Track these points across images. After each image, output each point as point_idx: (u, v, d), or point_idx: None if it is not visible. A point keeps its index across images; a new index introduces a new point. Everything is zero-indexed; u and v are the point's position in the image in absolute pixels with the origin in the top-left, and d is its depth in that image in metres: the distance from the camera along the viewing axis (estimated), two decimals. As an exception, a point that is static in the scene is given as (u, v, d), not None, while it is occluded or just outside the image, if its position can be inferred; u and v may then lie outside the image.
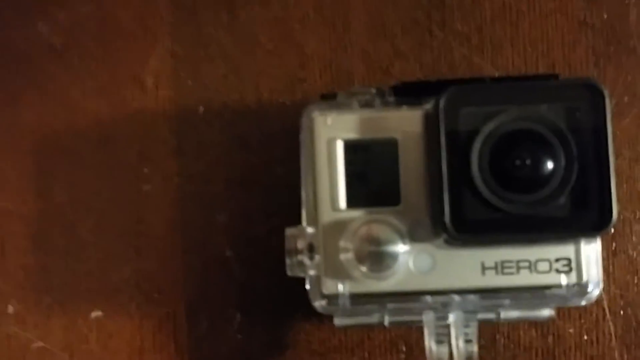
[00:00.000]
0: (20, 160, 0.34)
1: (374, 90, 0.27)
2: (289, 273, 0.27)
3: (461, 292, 0.27)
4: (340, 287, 0.27)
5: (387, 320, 0.27)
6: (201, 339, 0.34)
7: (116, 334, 0.34)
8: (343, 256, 0.26)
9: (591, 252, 0.26)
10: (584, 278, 0.26)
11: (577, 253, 0.26)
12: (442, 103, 0.25)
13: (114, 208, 0.34)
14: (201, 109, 0.34)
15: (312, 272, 0.27)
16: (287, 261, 0.27)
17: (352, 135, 0.27)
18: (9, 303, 0.34)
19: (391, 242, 0.26)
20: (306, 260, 0.27)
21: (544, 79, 0.26)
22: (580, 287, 0.26)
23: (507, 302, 0.27)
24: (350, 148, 0.27)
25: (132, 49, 0.34)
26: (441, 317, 0.27)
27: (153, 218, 0.34)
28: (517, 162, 0.24)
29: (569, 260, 0.26)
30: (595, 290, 0.27)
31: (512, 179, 0.25)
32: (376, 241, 0.26)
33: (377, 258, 0.26)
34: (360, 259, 0.26)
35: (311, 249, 0.27)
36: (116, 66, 0.34)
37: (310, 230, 0.27)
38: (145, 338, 0.34)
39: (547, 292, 0.26)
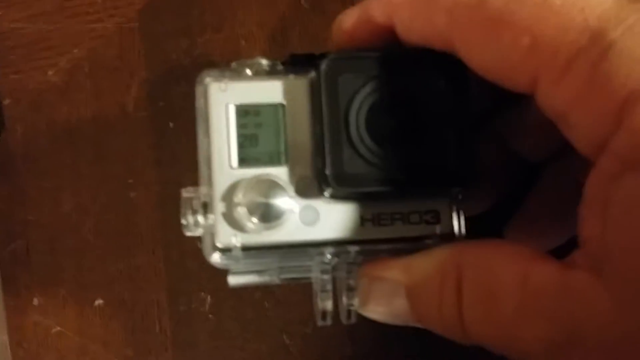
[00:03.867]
0: (36, 179, 0.42)
1: (265, 61, 0.30)
2: (186, 233, 0.29)
3: (343, 242, 0.29)
4: (233, 239, 0.28)
5: (278, 278, 0.30)
6: (180, 321, 0.39)
7: (114, 317, 0.40)
8: (235, 210, 0.28)
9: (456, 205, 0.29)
10: (453, 229, 0.29)
11: (446, 206, 0.29)
12: (323, 70, 0.27)
13: (108, 213, 0.41)
14: (171, 124, 0.40)
15: (207, 230, 0.29)
16: (183, 221, 0.29)
17: (244, 100, 0.29)
18: (34, 296, 0.41)
19: (279, 195, 0.28)
20: (201, 219, 0.28)
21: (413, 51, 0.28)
22: (448, 238, 0.28)
23: (384, 253, 0.29)
24: (242, 112, 0.29)
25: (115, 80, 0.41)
26: (326, 270, 0.29)
27: (139, 220, 0.41)
28: (386, 121, 0.27)
29: (437, 212, 0.29)
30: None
31: (383, 136, 0.27)
32: (265, 194, 0.28)
33: (266, 210, 0.28)
34: (251, 211, 0.28)
35: (205, 207, 0.29)
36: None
37: (205, 190, 0.29)
38: (137, 320, 0.40)
39: (419, 243, 0.28)
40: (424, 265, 0.27)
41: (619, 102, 0.21)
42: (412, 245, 0.28)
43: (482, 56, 0.25)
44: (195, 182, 0.30)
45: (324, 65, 0.27)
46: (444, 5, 0.25)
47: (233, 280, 0.30)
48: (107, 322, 0.40)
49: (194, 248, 0.39)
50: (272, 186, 0.28)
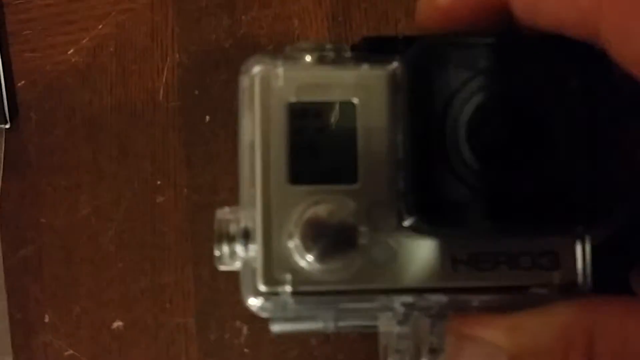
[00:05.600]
0: (51, 176, 0.36)
1: (329, 46, 0.23)
2: (218, 267, 0.23)
3: (426, 290, 0.22)
4: (283, 282, 0.22)
5: (334, 325, 0.23)
6: (210, 352, 0.33)
7: (135, 343, 0.34)
8: (288, 242, 0.22)
9: (581, 246, 0.22)
10: (577, 277, 0.22)
11: (567, 246, 0.22)
12: (411, 61, 0.21)
13: (131, 220, 0.35)
14: (207, 118, 0.34)
15: (246, 264, 0.22)
16: (216, 251, 0.22)
17: (302, 96, 0.22)
18: (46, 312, 0.36)
19: (348, 227, 0.21)
20: (240, 249, 0.22)
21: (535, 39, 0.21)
22: (569, 289, 0.22)
23: (475, 304, 0.22)
24: (299, 112, 0.22)
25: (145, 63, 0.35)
26: (401, 321, 0.23)
27: (167, 230, 0.35)
28: (497, 132, 0.21)
29: (556, 254, 0.22)
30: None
31: (491, 152, 0.21)
32: (329, 226, 0.21)
33: (329, 245, 0.21)
34: (308, 247, 0.21)
35: (246, 235, 0.22)
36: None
37: (246, 212, 0.22)
38: (160, 348, 0.34)
39: (529, 295, 0.22)
40: (538, 326, 0.21)
41: None
42: (519, 298, 0.22)
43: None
44: (233, 197, 0.23)
45: (412, 53, 0.20)
46: None
47: (277, 327, 0.23)
48: (126, 349, 0.35)
49: (230, 267, 0.33)
50: (338, 214, 0.21)
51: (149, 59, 0.35)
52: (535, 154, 0.20)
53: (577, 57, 0.20)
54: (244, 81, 0.23)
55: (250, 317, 0.33)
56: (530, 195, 0.21)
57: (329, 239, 0.21)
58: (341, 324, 0.23)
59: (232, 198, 0.33)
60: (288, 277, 0.22)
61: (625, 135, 0.26)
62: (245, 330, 0.33)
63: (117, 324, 0.35)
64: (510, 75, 0.21)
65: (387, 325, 0.23)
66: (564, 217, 0.21)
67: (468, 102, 0.20)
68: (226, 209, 0.23)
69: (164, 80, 0.35)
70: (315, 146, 0.22)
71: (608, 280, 0.23)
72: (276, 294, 0.22)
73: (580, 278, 0.22)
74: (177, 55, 0.35)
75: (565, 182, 0.20)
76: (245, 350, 0.33)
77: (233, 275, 0.33)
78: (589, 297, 0.22)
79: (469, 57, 0.20)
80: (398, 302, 0.22)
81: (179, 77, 0.35)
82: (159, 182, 0.35)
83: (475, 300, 0.22)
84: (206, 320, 0.33)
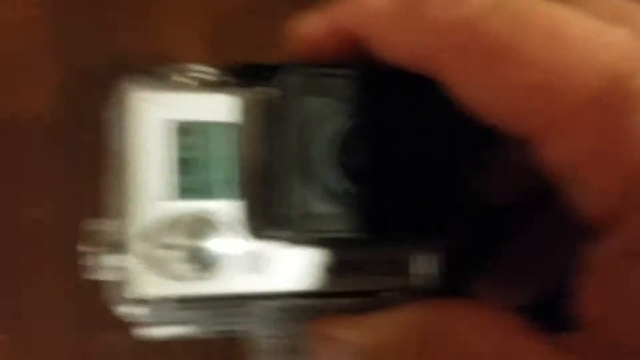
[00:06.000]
0: None
1: (209, 70, 0.24)
2: (88, 276, 0.24)
3: (295, 295, 0.24)
4: (158, 289, 0.23)
5: (211, 329, 0.25)
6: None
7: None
8: (163, 253, 0.23)
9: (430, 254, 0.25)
10: (424, 282, 0.25)
11: (416, 253, 0.25)
12: (289, 87, 0.23)
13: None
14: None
15: (119, 273, 0.23)
16: (89, 261, 0.23)
17: (189, 116, 0.23)
18: None
19: (222, 237, 0.23)
20: (112, 260, 0.23)
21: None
22: (418, 292, 0.25)
23: (334, 307, 0.25)
24: (184, 131, 0.23)
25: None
26: (269, 326, 0.25)
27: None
28: (360, 155, 0.23)
29: (405, 261, 0.25)
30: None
31: (355, 172, 0.23)
32: (205, 236, 0.23)
33: (204, 255, 0.23)
34: (185, 256, 0.23)
35: (120, 246, 0.23)
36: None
37: (122, 223, 0.23)
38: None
39: (379, 297, 0.25)
40: (385, 325, 0.23)
41: None
42: (374, 301, 0.24)
43: (474, 91, 0.21)
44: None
45: (290, 82, 0.23)
46: (432, 24, 0.21)
47: (156, 331, 0.24)
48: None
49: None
50: (213, 226, 0.23)
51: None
52: (392, 175, 0.23)
53: (420, 91, 0.23)
54: (123, 99, 0.23)
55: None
56: (388, 210, 0.23)
57: (205, 249, 0.23)
58: (218, 328, 0.25)
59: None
60: (164, 284, 0.23)
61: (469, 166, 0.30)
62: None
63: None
64: (371, 104, 0.23)
65: (260, 331, 0.25)
66: (417, 229, 0.24)
67: (336, 128, 0.23)
68: (97, 221, 0.24)
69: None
70: (197, 163, 0.24)
71: (456, 286, 0.26)
72: (154, 301, 0.23)
73: (428, 283, 0.25)
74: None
75: (418, 199, 0.24)
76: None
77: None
78: (432, 300, 0.25)
79: (337, 87, 0.23)
80: (270, 306, 0.24)
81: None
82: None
83: (334, 303, 0.24)
84: None
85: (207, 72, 0.24)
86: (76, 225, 0.33)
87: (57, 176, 0.34)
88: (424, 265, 0.25)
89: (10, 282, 0.34)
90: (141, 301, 0.23)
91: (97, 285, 0.26)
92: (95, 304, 0.33)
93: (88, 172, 0.34)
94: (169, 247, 0.23)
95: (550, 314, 0.22)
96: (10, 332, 0.34)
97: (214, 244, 0.23)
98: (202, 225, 0.23)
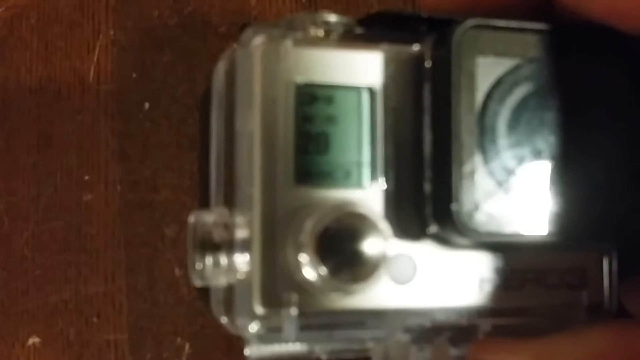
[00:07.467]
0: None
1: (334, 19, 0.19)
2: (195, 282, 0.19)
3: (450, 311, 0.19)
4: (287, 303, 0.18)
5: (325, 349, 0.19)
6: (145, 373, 0.29)
7: (54, 363, 0.30)
8: (296, 256, 0.18)
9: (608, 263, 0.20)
10: (603, 298, 0.20)
11: (594, 263, 0.20)
12: (455, 42, 0.17)
13: (53, 220, 0.30)
14: (147, 105, 0.30)
15: (236, 279, 0.18)
16: (196, 263, 0.18)
17: (312, 77, 0.18)
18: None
19: (371, 237, 0.17)
20: (227, 261, 0.18)
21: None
22: (595, 310, 0.20)
23: (502, 330, 0.19)
24: (307, 97, 0.18)
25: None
26: (416, 344, 0.19)
27: (95, 232, 0.30)
28: (543, 134, 0.18)
29: (584, 271, 0.20)
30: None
31: (536, 152, 0.18)
32: (350, 235, 0.17)
33: (349, 259, 0.17)
34: (324, 260, 0.17)
35: (239, 245, 0.18)
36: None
37: (239, 217, 0.18)
38: (84, 370, 0.30)
39: (554, 314, 0.20)
40: (571, 353, 0.18)
41: None
42: (542, 320, 0.19)
43: None
44: (175, 195, 0.19)
45: (457, 35, 0.17)
46: None
47: (256, 350, 0.19)
48: (42, 369, 0.30)
49: (169, 276, 0.29)
50: (359, 222, 0.17)
51: (78, 35, 0.31)
52: (583, 161, 0.18)
53: (626, 53, 0.18)
54: (241, 56, 0.18)
55: (193, 333, 0.29)
56: (577, 206, 0.18)
57: (348, 252, 0.17)
58: (335, 347, 0.19)
59: (175, 197, 0.29)
60: (294, 297, 0.18)
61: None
62: (187, 348, 0.29)
63: (33, 340, 0.30)
64: (559, 66, 0.18)
65: (392, 352, 0.19)
66: (608, 231, 0.18)
67: (510, 94, 0.17)
68: (204, 211, 0.19)
69: (95, 59, 0.30)
70: (326, 139, 0.18)
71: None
72: (278, 317, 0.18)
73: (606, 299, 0.20)
74: (112, 32, 0.30)
75: (597, 196, 0.18)
76: (187, 371, 0.29)
77: (174, 286, 0.29)
78: (620, 321, 0.19)
79: (516, 44, 0.18)
80: (414, 323, 0.19)
81: (114, 57, 0.30)
82: (86, 177, 0.30)
83: (500, 322, 0.19)
84: (141, 337, 0.29)
85: (336, 22, 0.18)
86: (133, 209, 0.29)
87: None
88: (603, 277, 0.20)
89: (58, 272, 0.30)
90: (263, 317, 0.18)
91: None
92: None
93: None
94: (304, 248, 0.17)
95: None
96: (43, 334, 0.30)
97: (369, 246, 0.17)
98: (347, 221, 0.17)
